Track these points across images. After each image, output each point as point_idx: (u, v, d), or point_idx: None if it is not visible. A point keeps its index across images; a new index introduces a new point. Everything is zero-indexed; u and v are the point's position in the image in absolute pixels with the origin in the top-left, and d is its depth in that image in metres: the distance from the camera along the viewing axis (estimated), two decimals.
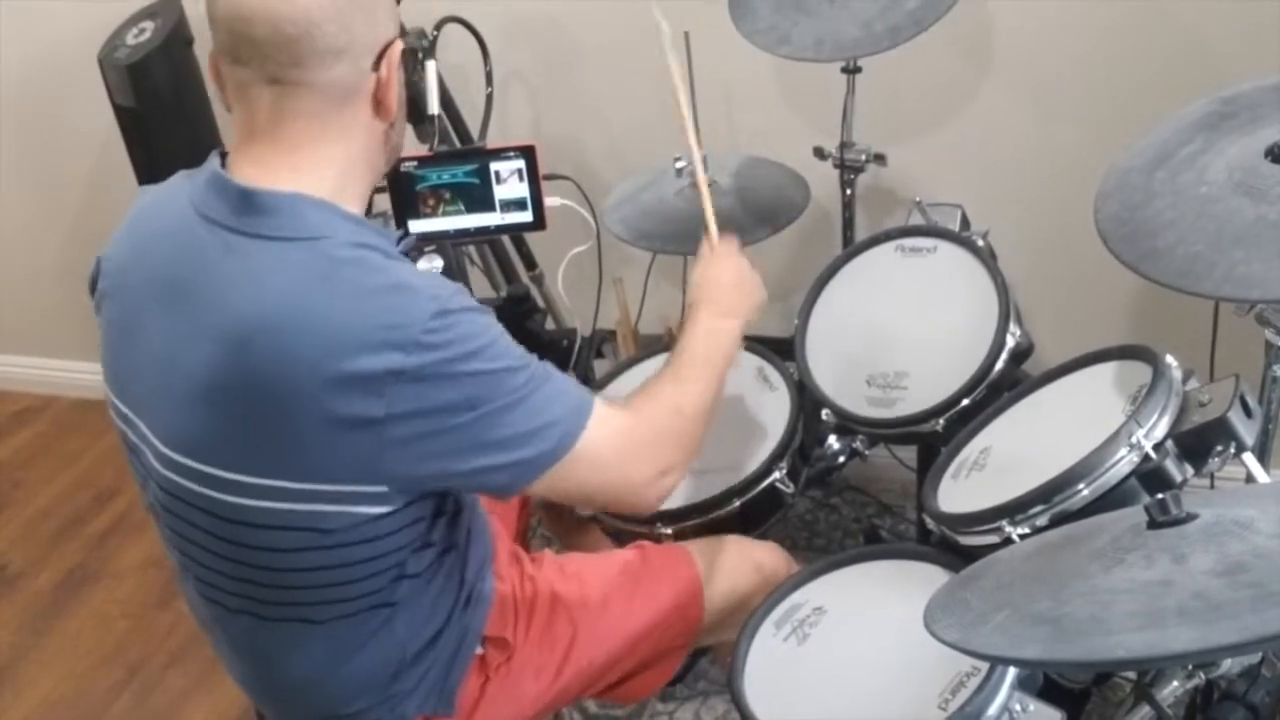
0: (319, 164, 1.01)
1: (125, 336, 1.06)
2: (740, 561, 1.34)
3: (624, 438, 1.07)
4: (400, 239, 1.05)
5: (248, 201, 0.99)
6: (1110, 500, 1.08)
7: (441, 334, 0.95)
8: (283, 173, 1.00)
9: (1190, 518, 0.85)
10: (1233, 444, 1.07)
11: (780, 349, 1.58)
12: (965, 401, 1.37)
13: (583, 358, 1.92)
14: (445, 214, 1.57)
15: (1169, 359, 1.15)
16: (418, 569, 1.09)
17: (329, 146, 1.01)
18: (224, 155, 1.04)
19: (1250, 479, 1.11)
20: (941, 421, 1.37)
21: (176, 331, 1.00)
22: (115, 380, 1.09)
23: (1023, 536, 1.11)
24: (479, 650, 1.20)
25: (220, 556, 1.06)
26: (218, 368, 0.96)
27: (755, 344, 1.59)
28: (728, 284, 1.28)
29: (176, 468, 1.02)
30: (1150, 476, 1.08)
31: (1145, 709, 1.04)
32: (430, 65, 1.65)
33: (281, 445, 0.97)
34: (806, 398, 1.49)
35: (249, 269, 0.97)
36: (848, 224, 1.82)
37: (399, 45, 1.03)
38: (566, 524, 1.59)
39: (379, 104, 1.03)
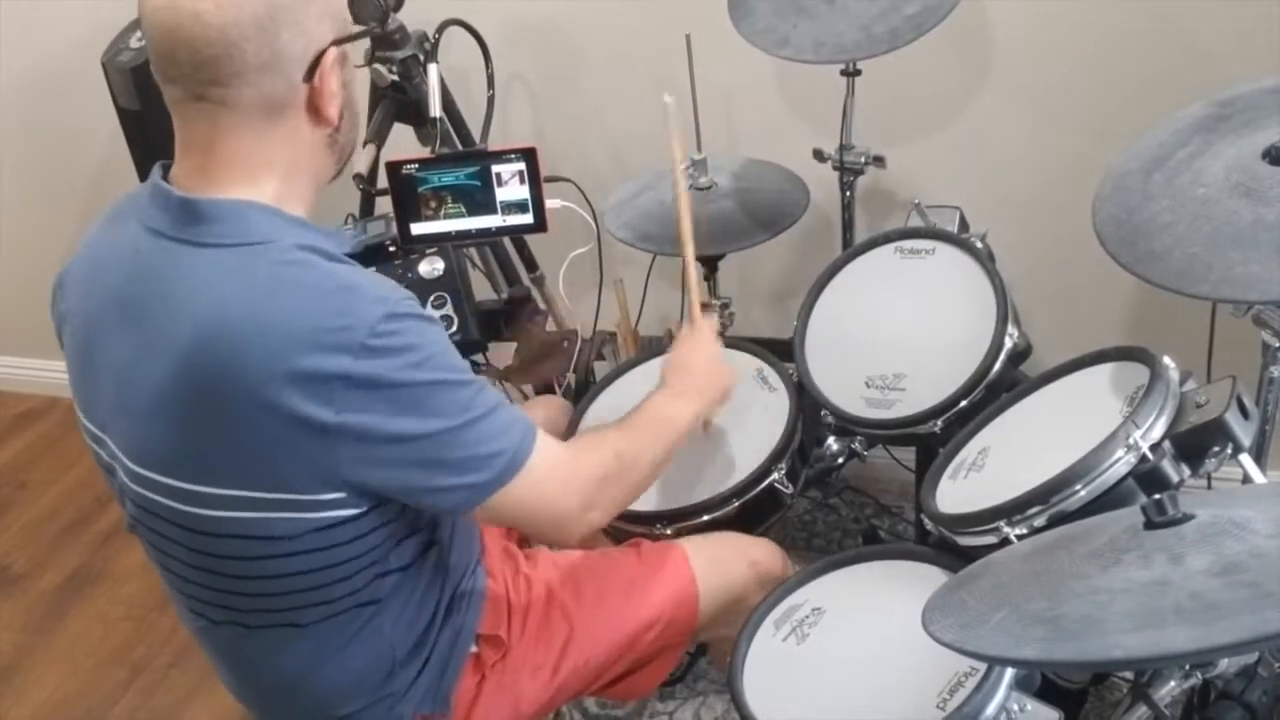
0: (258, 173, 1.00)
1: (88, 358, 1.06)
2: (735, 557, 1.35)
3: (561, 471, 1.08)
4: (353, 237, 1.06)
5: (189, 211, 0.99)
6: (1107, 501, 1.08)
7: (390, 339, 0.95)
8: (224, 183, 1.00)
9: (1187, 518, 0.86)
10: (1229, 445, 1.07)
11: (779, 350, 1.58)
12: (963, 403, 1.37)
13: (583, 359, 1.93)
14: (447, 216, 1.58)
15: (1166, 360, 1.16)
16: (400, 563, 1.10)
17: (267, 156, 1.00)
18: (167, 166, 1.03)
19: (1247, 479, 1.12)
20: (940, 422, 1.38)
21: (132, 347, 1.00)
22: (83, 402, 1.09)
23: (1020, 537, 1.11)
24: (473, 649, 1.20)
25: (198, 569, 1.06)
26: (172, 379, 0.97)
27: (755, 345, 1.60)
28: (697, 370, 1.32)
29: (145, 483, 1.03)
30: (1147, 477, 1.08)
31: (1142, 709, 1.04)
32: (432, 68, 1.65)
33: (239, 454, 0.97)
34: (805, 399, 1.50)
35: (195, 278, 0.97)
36: (847, 226, 1.83)
37: (333, 52, 1.00)
38: None
39: (315, 112, 1.01)
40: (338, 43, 1.00)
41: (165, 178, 1.02)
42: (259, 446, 0.96)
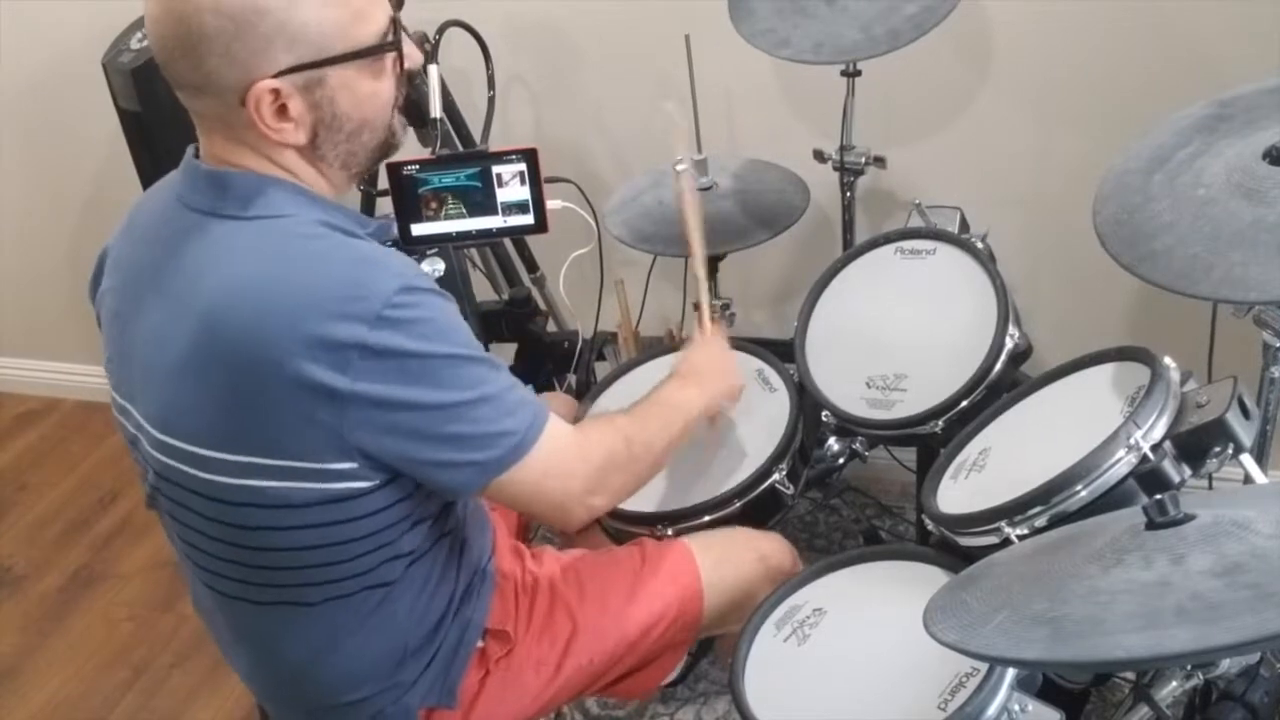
0: (267, 162, 1.03)
1: (122, 327, 1.09)
2: (744, 553, 1.35)
3: (568, 455, 1.10)
4: (379, 227, 1.07)
5: (216, 183, 1.02)
6: (1108, 501, 1.08)
7: (405, 310, 0.97)
8: (246, 165, 1.03)
9: (1188, 519, 0.86)
10: (1230, 445, 1.07)
11: (780, 351, 1.58)
12: (964, 403, 1.37)
13: (584, 360, 1.93)
14: (447, 217, 1.58)
15: (1167, 360, 1.15)
16: (411, 548, 1.11)
17: (264, 151, 1.03)
18: (198, 148, 1.06)
19: (1248, 480, 1.12)
20: (941, 423, 1.38)
21: (162, 316, 1.03)
22: (114, 372, 1.11)
23: (1021, 537, 1.11)
24: (479, 643, 1.21)
25: (214, 539, 1.08)
26: (194, 345, 0.99)
27: (755, 345, 1.60)
28: (707, 364, 1.36)
29: (166, 449, 1.05)
30: (1148, 477, 1.08)
31: (1144, 709, 1.04)
32: (432, 69, 1.65)
33: (255, 421, 0.99)
34: (806, 399, 1.50)
35: (221, 249, 1.01)
36: (847, 226, 1.83)
37: (264, 86, 0.96)
38: None
39: (265, 133, 1.00)
40: (280, 75, 0.97)
41: (197, 156, 1.05)
42: (275, 413, 0.98)
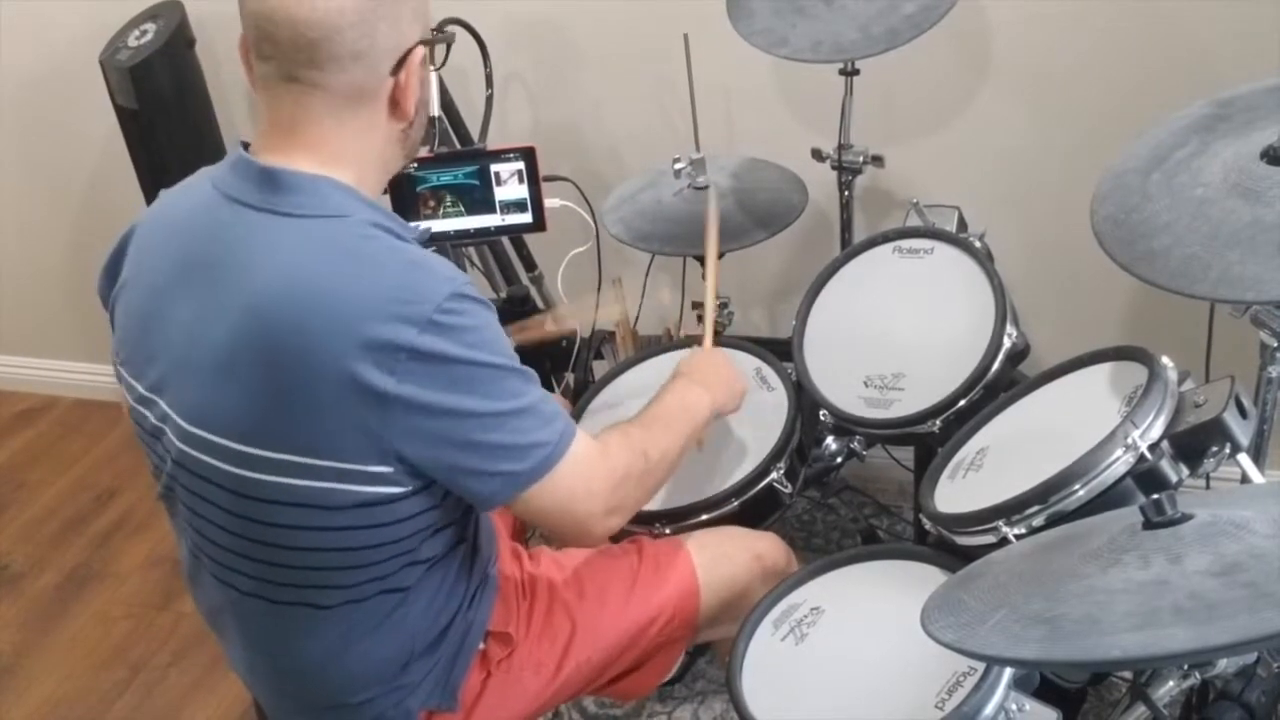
0: (335, 157, 1.04)
1: (152, 318, 1.08)
2: (740, 553, 1.35)
3: (593, 471, 1.10)
4: (420, 231, 1.08)
5: (271, 180, 1.02)
6: (1106, 501, 1.08)
7: (455, 317, 0.98)
8: (302, 163, 1.03)
9: (1186, 518, 0.86)
10: (1228, 444, 1.07)
11: (778, 349, 1.58)
12: (962, 402, 1.37)
13: (582, 358, 1.93)
14: (445, 215, 1.58)
15: (1164, 360, 1.16)
16: (429, 555, 1.11)
17: (345, 143, 1.04)
18: (246, 145, 1.06)
19: (1245, 479, 1.12)
20: (938, 422, 1.38)
21: (201, 308, 1.03)
22: (137, 365, 1.10)
23: (1019, 537, 1.11)
24: (481, 645, 1.21)
25: (235, 535, 1.08)
26: (239, 339, 0.99)
27: (753, 344, 1.60)
28: (712, 367, 1.38)
29: (196, 442, 1.05)
30: (1146, 477, 1.08)
31: (1141, 709, 1.04)
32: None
33: (296, 419, 0.99)
34: (804, 398, 1.50)
35: (271, 244, 1.01)
36: (846, 225, 1.83)
37: (420, 50, 1.05)
38: None
39: (395, 106, 1.05)
40: (423, 43, 1.05)
41: (246, 153, 1.05)
42: (317, 411, 0.98)
